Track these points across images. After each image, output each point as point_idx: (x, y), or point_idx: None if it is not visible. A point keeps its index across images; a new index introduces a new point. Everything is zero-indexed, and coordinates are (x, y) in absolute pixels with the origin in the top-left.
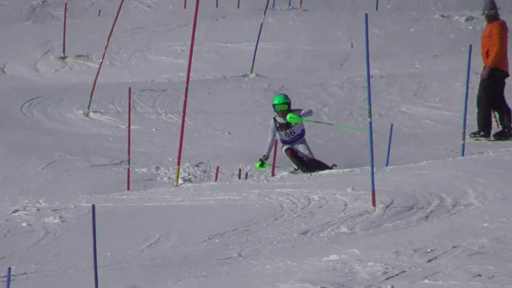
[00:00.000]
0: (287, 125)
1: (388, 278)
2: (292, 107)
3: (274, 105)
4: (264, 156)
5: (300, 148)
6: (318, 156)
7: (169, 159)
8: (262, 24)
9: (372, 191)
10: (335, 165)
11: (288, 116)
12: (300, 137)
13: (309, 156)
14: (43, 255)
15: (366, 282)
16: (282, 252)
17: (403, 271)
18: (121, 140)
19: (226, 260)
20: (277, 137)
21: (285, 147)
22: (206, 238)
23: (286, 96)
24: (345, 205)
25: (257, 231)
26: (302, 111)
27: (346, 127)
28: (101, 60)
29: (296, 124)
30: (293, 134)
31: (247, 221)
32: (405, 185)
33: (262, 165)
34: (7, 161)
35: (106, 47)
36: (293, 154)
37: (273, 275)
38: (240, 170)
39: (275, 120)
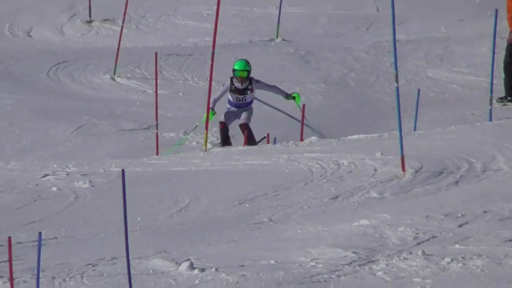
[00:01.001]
0: (242, 92)
1: (419, 243)
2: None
3: (234, 70)
4: (212, 109)
5: (243, 114)
6: (345, 119)
7: (197, 123)
8: None
9: (401, 156)
10: (265, 137)
11: (297, 94)
12: (248, 104)
13: (244, 120)
14: (74, 219)
15: (397, 247)
16: (313, 217)
17: (434, 236)
18: (149, 105)
19: (257, 224)
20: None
21: (222, 117)
22: (236, 203)
23: (247, 63)
24: (375, 170)
25: (287, 196)
26: (266, 84)
27: (306, 124)
28: (121, 25)
29: (250, 93)
30: (244, 100)
31: (277, 185)
32: (433, 150)
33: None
34: (35, 125)
35: (124, 14)
36: (224, 130)
37: (304, 240)
38: (268, 134)
39: (232, 82)
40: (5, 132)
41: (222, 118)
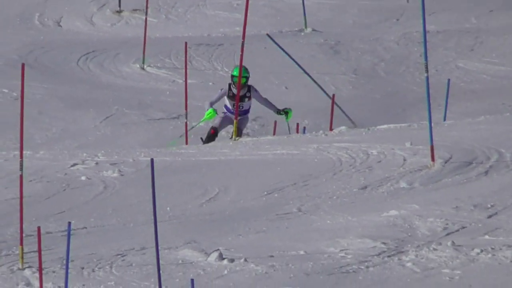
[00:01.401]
0: (240, 98)
1: (448, 234)
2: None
3: (232, 76)
4: (212, 109)
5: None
6: (374, 109)
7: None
8: None
9: (430, 146)
10: None
11: (289, 110)
12: (245, 113)
13: (241, 126)
14: (103, 209)
15: (427, 238)
16: (342, 207)
17: (463, 227)
18: (178, 94)
19: (286, 215)
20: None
21: (215, 121)
22: (265, 192)
23: (246, 69)
24: (404, 160)
25: (316, 185)
26: (261, 96)
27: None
28: (145, 16)
29: (248, 100)
30: (241, 108)
31: (306, 175)
32: (463, 140)
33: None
34: (65, 114)
35: (146, 6)
36: (212, 136)
37: (333, 230)
38: (297, 124)
39: (230, 88)
40: (34, 121)
41: (215, 123)
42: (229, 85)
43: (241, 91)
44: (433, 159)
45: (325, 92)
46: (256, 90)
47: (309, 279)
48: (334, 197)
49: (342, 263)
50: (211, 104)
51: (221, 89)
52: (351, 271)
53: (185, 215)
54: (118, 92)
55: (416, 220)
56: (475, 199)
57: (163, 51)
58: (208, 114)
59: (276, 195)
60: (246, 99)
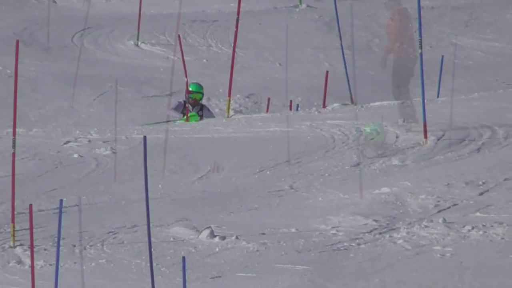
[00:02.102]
0: (191, 117)
1: (439, 211)
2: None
3: (188, 92)
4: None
5: None
6: (368, 85)
7: (220, 90)
8: None
9: (423, 123)
10: None
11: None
12: None
13: None
14: (95, 187)
15: (418, 215)
16: (334, 185)
17: (454, 204)
18: (172, 71)
19: (278, 192)
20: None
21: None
22: (258, 170)
23: (201, 87)
24: (397, 137)
25: (309, 163)
26: (212, 115)
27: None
28: None
29: (200, 119)
30: None
31: (299, 153)
32: (456, 117)
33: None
34: (58, 92)
35: None
36: None
37: (325, 208)
38: (291, 101)
39: (185, 104)
40: (28, 99)
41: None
42: (184, 102)
43: (194, 109)
44: (425, 136)
45: (346, 69)
46: (208, 110)
47: (301, 256)
48: (326, 175)
49: (333, 240)
50: (174, 110)
51: (179, 102)
52: (342, 248)
53: (176, 192)
54: (112, 69)
55: (408, 197)
56: (467, 176)
57: (157, 28)
58: (193, 116)
59: (268, 172)
60: (198, 118)
